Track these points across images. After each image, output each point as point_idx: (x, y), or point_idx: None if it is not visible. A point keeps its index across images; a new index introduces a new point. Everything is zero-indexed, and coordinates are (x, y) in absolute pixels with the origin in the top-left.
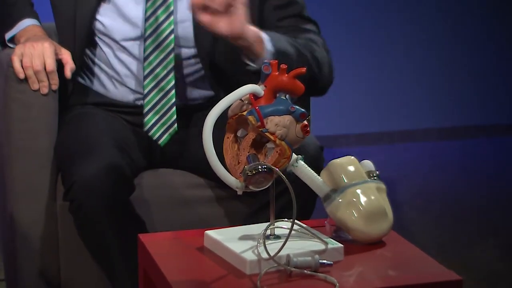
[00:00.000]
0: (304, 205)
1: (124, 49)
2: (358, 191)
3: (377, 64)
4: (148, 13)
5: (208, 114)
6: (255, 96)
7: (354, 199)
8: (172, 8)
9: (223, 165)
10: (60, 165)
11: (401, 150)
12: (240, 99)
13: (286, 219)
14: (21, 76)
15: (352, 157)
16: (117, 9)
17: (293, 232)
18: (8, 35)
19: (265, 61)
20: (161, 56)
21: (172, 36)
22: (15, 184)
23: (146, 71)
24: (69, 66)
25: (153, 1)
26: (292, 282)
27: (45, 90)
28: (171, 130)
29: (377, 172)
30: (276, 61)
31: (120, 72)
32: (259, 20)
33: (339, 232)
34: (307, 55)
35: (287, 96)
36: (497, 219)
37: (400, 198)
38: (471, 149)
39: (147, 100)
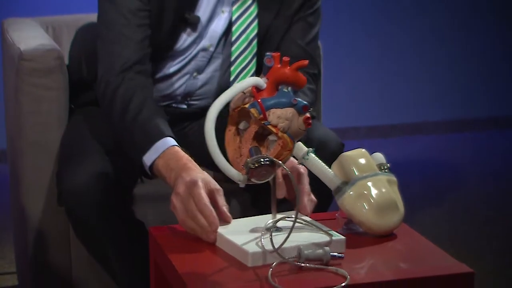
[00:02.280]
0: (321, 199)
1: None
2: (369, 183)
3: (387, 57)
4: (235, 16)
5: (211, 107)
6: (257, 89)
7: (365, 192)
8: (256, 12)
9: (225, 158)
10: (58, 166)
11: (412, 143)
12: (243, 92)
13: (284, 212)
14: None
15: (363, 150)
16: None
17: (296, 224)
18: (148, 159)
19: (267, 53)
20: (247, 59)
21: (256, 40)
22: (27, 177)
23: (232, 76)
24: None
25: (241, 3)
26: (303, 275)
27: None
28: None
29: (388, 164)
30: (279, 53)
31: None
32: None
33: (350, 224)
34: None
35: (289, 88)
36: (509, 211)
37: (411, 190)
38: (482, 142)
39: None
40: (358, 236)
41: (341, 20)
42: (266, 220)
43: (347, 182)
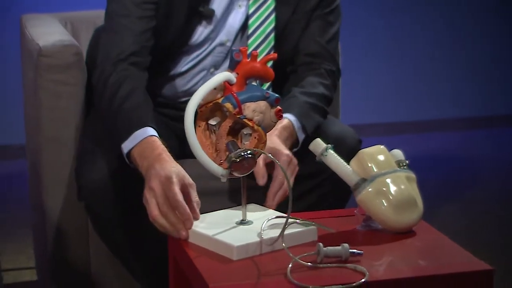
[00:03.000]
0: (339, 195)
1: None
2: (388, 180)
3: (405, 54)
4: (251, 10)
5: (188, 104)
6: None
7: (384, 188)
8: (273, 6)
9: None
10: (77, 162)
11: (430, 140)
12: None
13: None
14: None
15: (382, 146)
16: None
17: (263, 215)
18: (126, 147)
19: (234, 48)
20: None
21: (273, 34)
22: (46, 173)
23: None
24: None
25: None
26: (321, 271)
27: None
28: None
29: (407, 161)
30: (246, 47)
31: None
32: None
33: (369, 221)
34: (324, 107)
35: (257, 81)
36: None
37: (430, 187)
38: (500, 139)
39: None
40: (377, 233)
41: (359, 17)
42: (235, 212)
43: (366, 178)
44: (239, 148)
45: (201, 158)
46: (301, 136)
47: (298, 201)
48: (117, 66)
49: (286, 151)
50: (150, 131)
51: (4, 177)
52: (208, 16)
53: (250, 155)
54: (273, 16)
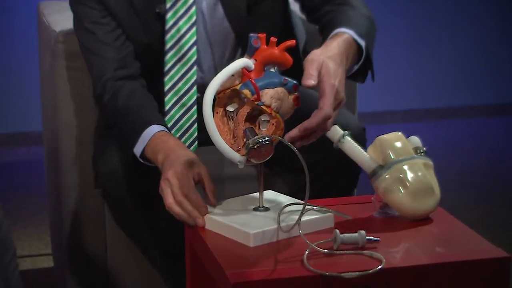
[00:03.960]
0: (347, 183)
1: None
2: (405, 167)
3: (423, 40)
4: (169, 24)
5: (207, 89)
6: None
7: (401, 175)
8: (194, 18)
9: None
10: (94, 148)
11: (448, 127)
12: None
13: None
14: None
15: (399, 133)
16: None
17: (280, 202)
18: (138, 150)
19: (252, 34)
20: (183, 70)
21: (195, 48)
22: (62, 160)
23: (168, 86)
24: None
25: (174, 12)
26: (337, 258)
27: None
28: (191, 148)
29: (424, 148)
30: (265, 34)
31: None
32: None
33: (385, 208)
34: (369, 15)
35: (275, 68)
36: None
37: (447, 174)
38: None
39: (169, 117)
40: (393, 219)
41: (377, 3)
42: (252, 199)
43: (383, 165)
44: (257, 135)
45: (219, 144)
46: (362, 42)
47: (303, 191)
48: (106, 86)
49: (332, 81)
50: (156, 128)
51: (22, 164)
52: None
53: (267, 142)
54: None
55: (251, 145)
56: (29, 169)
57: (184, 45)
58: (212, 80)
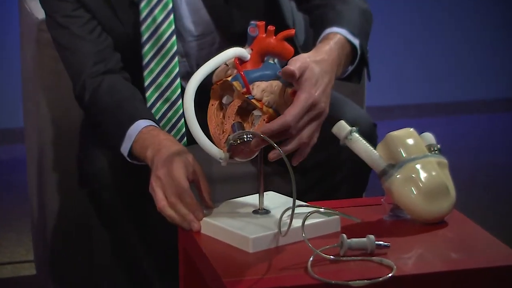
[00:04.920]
0: (356, 183)
1: None
2: (418, 166)
3: (436, 30)
4: (144, 14)
5: (190, 80)
6: (240, 61)
7: (413, 175)
8: (170, 5)
9: (207, 135)
10: (79, 146)
11: (463, 122)
12: (225, 64)
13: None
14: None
15: (411, 129)
16: None
17: (282, 204)
18: (124, 149)
19: (252, 22)
20: (163, 62)
21: (174, 38)
22: (45, 159)
23: (148, 81)
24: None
25: (148, 0)
26: (344, 265)
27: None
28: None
29: (439, 145)
30: (263, 22)
31: None
32: None
33: (396, 210)
34: (363, 6)
35: (275, 60)
36: None
37: (463, 174)
38: None
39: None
40: (405, 223)
41: None
42: (251, 201)
43: (394, 164)
44: (243, 130)
45: (200, 139)
46: (356, 41)
47: (308, 193)
48: (85, 85)
49: (311, 91)
50: (143, 123)
51: (1, 164)
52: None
53: (250, 139)
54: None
55: (231, 141)
56: (10, 169)
57: (162, 35)
58: (197, 71)
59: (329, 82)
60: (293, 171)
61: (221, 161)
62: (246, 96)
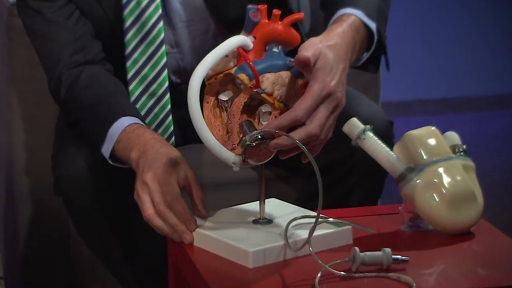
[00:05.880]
0: (371, 189)
1: None
2: (441, 169)
3: (460, 18)
4: None
5: (193, 74)
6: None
7: (436, 180)
8: None
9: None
10: (54, 146)
11: (492, 119)
12: (225, 55)
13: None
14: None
15: (433, 128)
16: None
17: (286, 213)
18: (106, 151)
19: (251, 6)
20: (148, 52)
21: (161, 24)
22: (17, 159)
23: (131, 73)
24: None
25: None
26: (357, 282)
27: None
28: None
29: (464, 146)
30: (266, 5)
31: None
32: None
33: (416, 220)
34: None
35: (279, 48)
36: None
37: (492, 178)
38: None
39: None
40: (426, 234)
41: None
42: (251, 209)
43: (413, 167)
44: (256, 130)
45: (209, 142)
46: (372, 24)
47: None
48: (61, 78)
49: (326, 80)
50: (127, 120)
51: None
52: None
53: (268, 138)
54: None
55: (248, 142)
56: None
57: (147, 21)
58: (200, 63)
59: (344, 69)
60: (299, 175)
61: (233, 165)
62: (254, 90)
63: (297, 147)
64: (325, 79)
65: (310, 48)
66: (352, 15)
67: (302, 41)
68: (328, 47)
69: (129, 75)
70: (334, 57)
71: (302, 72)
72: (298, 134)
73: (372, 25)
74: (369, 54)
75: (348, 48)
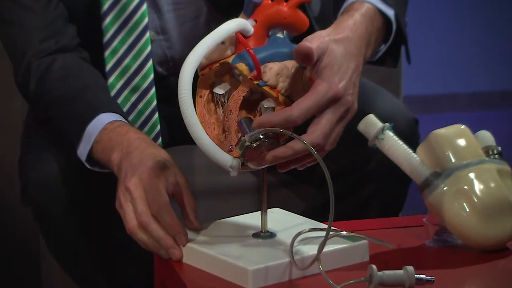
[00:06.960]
0: (391, 198)
1: None
2: (472, 175)
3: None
4: None
5: (184, 64)
6: (242, 36)
7: (466, 187)
8: None
9: None
10: (20, 153)
11: None
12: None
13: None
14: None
15: (463, 126)
16: None
17: (292, 225)
18: (82, 153)
19: None
20: (130, 40)
21: (144, 7)
22: None
23: (111, 63)
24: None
25: None
26: None
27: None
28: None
29: (499, 147)
30: None
31: None
32: None
33: (443, 234)
34: None
35: (284, 33)
36: None
37: None
38: None
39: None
40: (454, 250)
41: None
42: (252, 221)
43: (440, 173)
44: (262, 128)
45: (202, 142)
46: (390, 11)
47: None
48: (30, 68)
49: (332, 80)
50: (107, 117)
51: None
52: None
53: (271, 138)
54: None
55: (247, 143)
56: None
57: (128, 3)
58: (193, 50)
59: (356, 67)
60: (307, 181)
61: (231, 170)
62: (256, 82)
63: (298, 159)
64: (332, 79)
65: (315, 40)
66: (365, 2)
67: (311, 26)
68: (337, 41)
69: (108, 66)
70: (344, 53)
71: (305, 66)
72: (298, 144)
73: (390, 12)
74: (387, 46)
75: (362, 42)
